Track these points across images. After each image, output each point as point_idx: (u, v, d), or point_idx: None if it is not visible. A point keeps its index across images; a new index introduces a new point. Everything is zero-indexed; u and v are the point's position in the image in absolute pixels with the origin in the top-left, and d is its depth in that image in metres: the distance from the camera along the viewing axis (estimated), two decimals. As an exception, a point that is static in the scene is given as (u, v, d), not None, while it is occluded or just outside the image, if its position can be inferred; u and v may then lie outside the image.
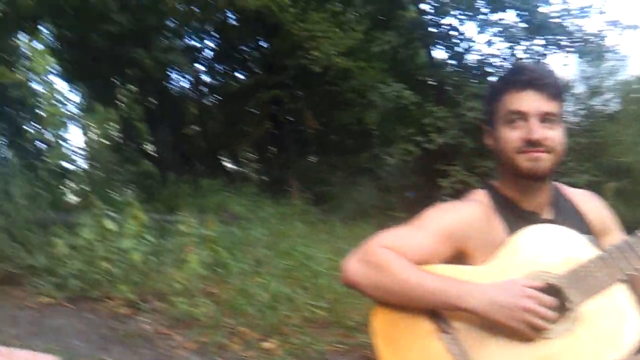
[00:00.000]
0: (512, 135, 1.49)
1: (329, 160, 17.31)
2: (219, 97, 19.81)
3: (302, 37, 13.25)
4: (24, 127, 16.79)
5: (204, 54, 18.91)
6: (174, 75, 18.56)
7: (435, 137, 9.80)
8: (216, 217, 5.60)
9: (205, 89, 20.40)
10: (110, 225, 3.13)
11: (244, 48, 18.82)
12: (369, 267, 1.38)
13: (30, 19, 14.59)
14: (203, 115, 19.86)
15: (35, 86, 21.47)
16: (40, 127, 19.13)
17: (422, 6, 9.63)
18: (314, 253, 4.10)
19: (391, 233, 1.47)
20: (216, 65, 19.56)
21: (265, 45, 17.21)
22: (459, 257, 1.49)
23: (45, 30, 16.61)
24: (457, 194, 9.20)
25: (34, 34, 16.82)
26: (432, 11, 9.60)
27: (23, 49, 18.35)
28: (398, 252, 1.39)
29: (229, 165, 21.61)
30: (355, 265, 1.41)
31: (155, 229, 3.95)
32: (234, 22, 16.74)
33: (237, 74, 19.66)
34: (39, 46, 19.74)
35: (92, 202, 8.03)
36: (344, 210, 12.34)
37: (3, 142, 16.37)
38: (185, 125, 19.83)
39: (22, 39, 17.94)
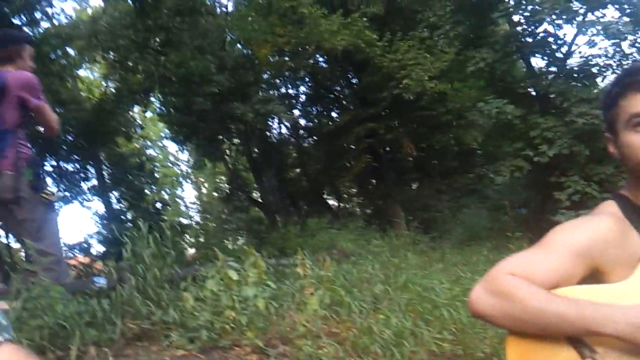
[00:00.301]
0: (638, 141, 1.39)
1: (432, 186, 17.01)
2: (317, 138, 20.29)
3: (392, 68, 13.34)
4: (145, 190, 18.27)
5: (299, 99, 19.61)
6: (273, 124, 19.37)
7: (545, 149, 9.31)
8: (328, 256, 5.65)
9: (303, 132, 21.01)
10: (233, 275, 3.25)
11: (336, 87, 19.26)
12: (495, 296, 1.32)
13: (141, 92, 16.02)
14: (303, 157, 20.40)
15: (150, 151, 23.30)
16: (157, 188, 20.68)
17: (514, 18, 9.35)
18: (431, 284, 4.00)
19: (517, 257, 1.40)
20: (311, 107, 20.14)
21: (355, 81, 17.49)
22: (594, 275, 1.39)
23: (154, 100, 18.16)
24: (577, 206, 8.65)
25: (145, 104, 18.46)
26: (525, 21, 9.29)
27: (137, 120, 20.15)
28: (526, 277, 1.32)
29: (332, 202, 21.89)
30: (481, 296, 1.35)
31: (272, 274, 4.05)
32: (324, 64, 17.22)
33: (332, 113, 20.10)
34: (150, 115, 21.58)
35: (214, 254, 8.47)
36: (455, 235, 11.98)
37: (126, 206, 17.84)
38: (287, 169, 20.45)
39: (136, 110, 19.74)
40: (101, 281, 3.78)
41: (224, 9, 17.20)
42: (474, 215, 13.08)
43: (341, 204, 21.78)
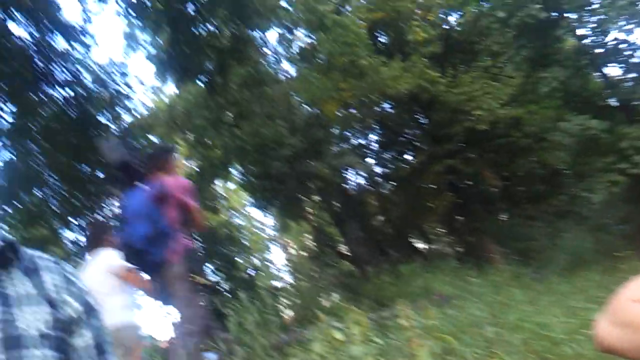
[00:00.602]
0: None
1: (522, 213, 16.32)
2: (395, 183, 20.19)
3: (459, 101, 13.25)
4: (236, 259, 18.76)
5: (371, 147, 19.73)
6: (349, 175, 19.52)
7: (639, 160, 8.74)
8: (428, 302, 5.50)
9: (380, 179, 20.99)
10: (337, 335, 3.23)
11: (406, 130, 19.25)
12: (622, 328, 1.22)
13: (221, 165, 16.77)
14: (384, 203, 20.29)
15: (236, 220, 24.02)
16: (247, 255, 21.17)
17: (579, 32, 9.05)
18: (544, 319, 3.77)
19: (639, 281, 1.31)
20: (384, 153, 20.18)
21: (425, 120, 17.43)
22: None
23: (234, 171, 18.90)
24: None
25: (226, 177, 19.26)
26: (592, 33, 8.94)
27: (221, 192, 20.98)
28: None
29: (420, 245, 21.44)
30: (607, 329, 1.26)
31: (375, 328, 3.98)
32: (390, 110, 17.34)
33: (405, 156, 20.02)
34: (232, 186, 22.39)
35: (312, 314, 8.47)
36: (557, 263, 11.29)
37: (222, 277, 18.35)
38: (370, 217, 20.37)
39: (218, 183, 20.58)
40: (212, 357, 3.86)
41: (287, 75, 17.87)
42: (574, 239, 12.32)
43: (430, 246, 21.30)
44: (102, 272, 3.83)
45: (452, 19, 15.71)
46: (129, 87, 12.00)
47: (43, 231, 13.76)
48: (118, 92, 11.79)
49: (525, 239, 14.42)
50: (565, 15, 8.59)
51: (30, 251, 0.97)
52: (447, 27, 15.52)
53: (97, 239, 4.13)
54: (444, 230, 21.44)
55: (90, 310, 0.96)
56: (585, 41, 9.36)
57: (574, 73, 8.16)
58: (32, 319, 0.88)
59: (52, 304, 0.92)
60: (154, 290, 3.93)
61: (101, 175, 12.17)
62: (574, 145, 8.79)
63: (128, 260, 3.80)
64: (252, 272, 19.39)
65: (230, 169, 18.47)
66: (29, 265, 0.95)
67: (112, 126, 13.00)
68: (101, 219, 4.48)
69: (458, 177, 15.90)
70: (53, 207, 13.47)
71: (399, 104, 16.39)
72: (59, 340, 0.89)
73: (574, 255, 10.86)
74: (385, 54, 14.84)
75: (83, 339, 0.93)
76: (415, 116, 18.02)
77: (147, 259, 3.70)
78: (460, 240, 18.84)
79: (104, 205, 14.11)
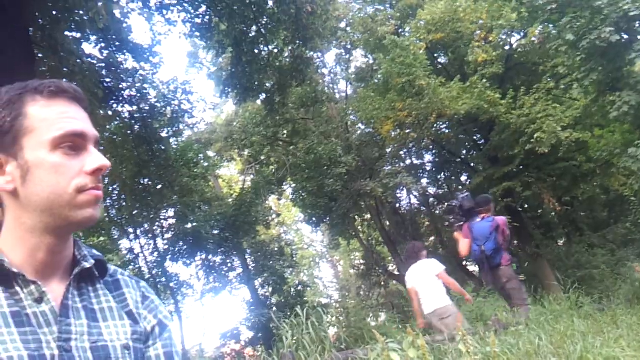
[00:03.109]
0: None
1: (583, 240, 15.73)
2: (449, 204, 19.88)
3: (520, 123, 12.97)
4: (285, 274, 18.86)
5: (425, 168, 19.54)
6: (402, 195, 19.36)
7: None
8: (484, 328, 5.36)
9: (434, 200, 20.72)
10: (395, 357, 3.20)
11: (462, 151, 18.98)
12: None
13: (275, 181, 17.02)
14: (437, 224, 20.00)
15: (287, 236, 24.19)
16: (297, 270, 21.24)
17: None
18: (611, 352, 3.61)
19: None
20: (438, 174, 19.95)
21: (482, 142, 17.14)
22: None
23: (287, 187, 19.13)
24: None
25: (280, 193, 19.51)
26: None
27: (273, 207, 21.24)
28: None
29: (473, 268, 20.95)
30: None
31: (430, 352, 3.92)
32: (447, 130, 17.15)
33: (461, 178, 19.71)
34: (284, 201, 22.63)
35: (360, 333, 8.39)
36: (621, 293, 10.76)
37: (270, 291, 18.47)
38: (422, 238, 20.10)
39: (271, 199, 20.85)
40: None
41: (343, 94, 18.03)
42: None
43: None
44: (429, 273, 6.11)
45: (514, 40, 15.47)
46: (191, 104, 12.38)
47: (102, 239, 14.33)
48: (180, 108, 12.18)
49: (584, 267, 13.86)
50: (639, 37, 8.30)
51: (113, 267, 1.03)
52: (508, 48, 15.28)
53: (414, 253, 6.44)
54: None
55: (162, 324, 1.02)
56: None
57: (646, 98, 7.87)
58: (116, 332, 0.93)
59: (132, 317, 0.98)
60: (488, 282, 6.86)
61: (159, 187, 12.59)
62: (643, 172, 8.44)
63: (480, 261, 6.43)
64: (301, 288, 19.41)
65: (284, 185, 18.69)
66: (112, 281, 1.01)
67: (173, 140, 13.46)
68: (416, 242, 7.85)
69: (516, 200, 15.49)
70: (113, 216, 14.02)
71: (456, 124, 16.20)
72: (137, 352, 0.95)
73: (639, 286, 10.33)
74: (445, 74, 14.75)
75: (155, 350, 0.99)
76: (473, 137, 17.75)
77: (491, 262, 6.16)
78: (516, 265, 18.31)
79: (160, 216, 14.58)
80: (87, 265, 0.94)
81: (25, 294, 0.86)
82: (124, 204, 13.58)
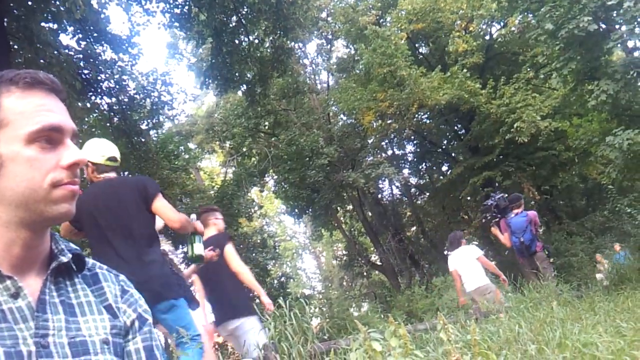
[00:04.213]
0: None
1: (562, 228, 15.96)
2: (430, 194, 20.04)
3: (500, 113, 13.09)
4: (268, 265, 18.87)
5: (407, 158, 19.63)
6: (384, 186, 19.44)
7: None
8: (465, 317, 5.42)
9: (415, 190, 20.83)
10: (377, 346, 3.21)
11: (443, 141, 19.10)
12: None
13: (257, 173, 16.95)
14: (418, 215, 20.14)
15: (270, 228, 24.10)
16: (279, 262, 21.25)
17: (630, 44, 8.78)
18: (589, 338, 3.66)
19: None
20: (420, 164, 20.04)
21: (463, 132, 17.26)
22: None
23: (269, 179, 19.08)
24: None
25: (262, 184, 19.45)
26: (642, 42, 8.69)
27: (255, 199, 21.17)
28: None
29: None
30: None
31: (411, 341, 3.94)
32: (428, 121, 17.23)
33: (442, 167, 19.84)
34: (266, 193, 22.55)
35: (343, 324, 8.44)
36: (599, 281, 10.95)
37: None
38: (404, 228, 20.24)
39: (253, 191, 20.78)
40: (249, 360, 3.89)
41: (325, 85, 17.99)
42: (616, 256, 11.94)
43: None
44: (470, 257, 7.03)
45: (494, 30, 15.57)
46: (171, 95, 12.25)
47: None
48: (160, 100, 12.05)
49: (563, 255, 14.08)
50: (616, 27, 8.38)
51: (91, 261, 1.01)
52: (488, 38, 15.37)
53: (456, 241, 7.31)
54: (479, 243, 21.13)
55: (142, 318, 1.01)
56: (635, 53, 9.08)
57: (623, 86, 7.92)
58: (94, 327, 0.92)
59: (111, 312, 0.96)
60: (526, 266, 7.41)
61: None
62: (620, 160, 8.53)
63: (520, 251, 7.25)
64: (284, 279, 19.44)
65: (266, 177, 18.63)
66: (90, 275, 0.99)
67: (153, 132, 13.31)
68: (457, 231, 8.38)
69: (496, 189, 15.65)
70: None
71: (437, 114, 16.28)
72: (117, 346, 0.94)
73: (616, 272, 10.52)
74: (425, 64, 14.79)
75: (135, 344, 0.98)
76: (453, 127, 17.87)
77: (529, 250, 7.13)
78: (497, 253, 18.53)
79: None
80: (64, 259, 0.92)
81: (0, 289, 0.84)
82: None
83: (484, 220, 9.61)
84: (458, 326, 4.64)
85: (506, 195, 7.65)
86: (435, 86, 13.22)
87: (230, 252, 4.33)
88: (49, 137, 0.86)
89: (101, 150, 3.38)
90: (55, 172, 0.85)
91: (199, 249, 3.50)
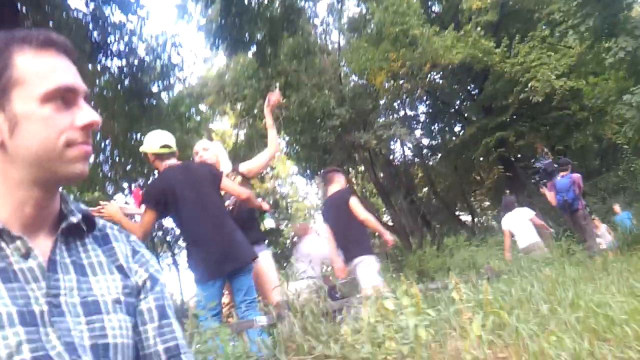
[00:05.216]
0: None
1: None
2: (442, 155, 19.93)
3: (514, 72, 12.86)
4: (281, 226, 19.07)
5: (419, 119, 19.46)
6: (396, 147, 19.35)
7: None
8: (477, 276, 5.46)
9: (427, 151, 20.72)
10: (389, 305, 3.26)
11: (456, 101, 18.87)
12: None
13: (269, 134, 16.92)
14: (430, 175, 20.09)
15: (282, 189, 24.24)
16: (292, 223, 21.41)
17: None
18: (602, 298, 3.69)
19: None
20: (432, 125, 19.88)
21: (476, 92, 17.02)
22: None
23: (280, 141, 19.03)
24: None
25: (273, 146, 19.43)
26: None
27: (267, 161, 21.21)
28: None
29: (465, 217, 21.20)
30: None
31: (423, 300, 3.99)
32: (440, 81, 16.99)
33: (455, 128, 19.67)
34: (278, 155, 22.58)
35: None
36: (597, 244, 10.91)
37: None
38: (415, 189, 20.23)
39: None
40: (262, 320, 3.97)
41: (336, 45, 17.71)
42: (617, 218, 11.88)
43: (476, 219, 21.04)
44: (523, 218, 7.87)
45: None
46: (181, 57, 12.15)
47: (97, 194, 14.31)
48: (170, 62, 11.96)
49: (577, 215, 14.02)
50: (636, -19, 8.13)
51: (102, 221, 1.02)
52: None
53: (510, 204, 8.24)
54: (490, 204, 21.13)
55: (153, 278, 1.01)
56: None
57: (645, 42, 7.72)
58: (106, 286, 0.93)
59: (122, 271, 0.97)
60: (569, 222, 8.28)
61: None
62: (637, 118, 8.37)
63: (563, 209, 8.10)
64: (296, 240, 19.67)
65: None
66: (100, 235, 1.00)
67: (164, 94, 13.26)
68: (510, 196, 9.95)
69: (509, 150, 15.53)
70: (107, 172, 13.96)
71: (450, 74, 16.04)
72: (129, 306, 0.95)
73: (629, 233, 10.49)
74: (438, 23, 14.48)
75: (147, 304, 0.99)
76: (466, 87, 17.62)
77: (572, 208, 7.91)
78: (589, 209, 18.52)
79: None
80: (74, 219, 0.93)
81: (11, 250, 0.85)
82: (117, 159, 13.50)
83: (532, 182, 10.65)
84: (470, 286, 4.68)
85: (551, 161, 8.78)
86: (449, 45, 12.98)
87: (354, 203, 5.18)
88: (64, 98, 0.86)
89: (156, 140, 3.85)
90: (69, 131, 0.86)
91: (269, 223, 4.23)
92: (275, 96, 4.36)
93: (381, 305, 3.60)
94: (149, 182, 4.41)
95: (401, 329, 3.36)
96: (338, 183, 5.48)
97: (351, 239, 5.19)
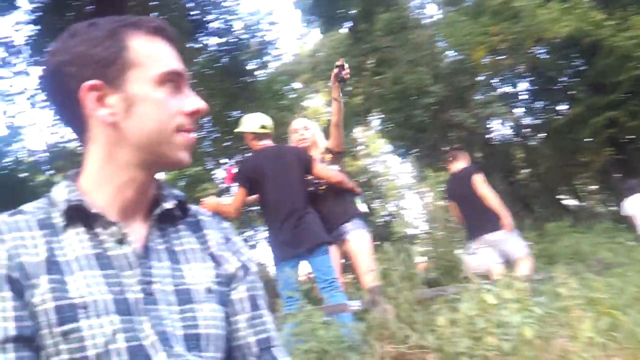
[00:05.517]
0: None
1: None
2: (545, 135, 18.90)
3: (628, 47, 11.82)
4: (372, 205, 19.02)
5: (520, 96, 18.52)
6: (494, 126, 18.60)
7: None
8: (585, 268, 5.09)
9: (528, 130, 19.74)
10: (490, 299, 3.08)
11: (561, 78, 17.71)
12: None
13: (362, 112, 16.81)
14: (531, 156, 19.15)
15: (374, 168, 24.22)
16: (384, 202, 21.33)
17: None
18: None
19: None
20: (534, 103, 18.84)
21: (584, 68, 15.85)
22: None
23: (374, 118, 18.87)
24: None
25: (366, 124, 19.31)
26: None
27: (360, 139, 21.15)
28: None
29: (569, 202, 20.06)
30: None
31: (526, 292, 3.75)
32: (545, 56, 16.00)
33: (558, 107, 18.53)
34: (371, 132, 22.47)
35: (448, 265, 8.31)
36: None
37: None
38: (515, 171, 19.39)
39: (358, 130, 20.75)
40: (356, 304, 3.93)
41: (432, 20, 17.15)
42: None
43: (581, 204, 19.85)
44: None
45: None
46: (276, 35, 12.30)
47: (197, 169, 14.95)
48: (265, 40, 12.14)
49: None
50: None
51: (194, 207, 1.00)
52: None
53: (632, 188, 7.96)
54: (597, 188, 19.83)
55: (245, 267, 0.99)
56: None
57: None
58: (199, 275, 0.91)
59: (214, 259, 0.95)
60: None
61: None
62: None
63: None
64: (388, 218, 19.51)
65: (370, 117, 18.44)
66: (194, 222, 0.98)
67: (259, 72, 13.50)
68: (632, 179, 8.99)
69: (620, 131, 14.38)
70: (205, 148, 14.53)
71: (555, 49, 15.03)
72: (221, 295, 0.93)
73: None
74: (543, -6, 13.57)
75: (239, 294, 0.96)
76: (573, 63, 16.44)
77: None
78: (618, 199, 17.29)
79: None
80: (169, 205, 0.92)
81: (106, 235, 0.85)
82: (216, 136, 14.00)
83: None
84: (577, 278, 4.36)
85: None
86: (554, 18, 12.14)
87: (479, 180, 5.45)
88: (174, 82, 0.88)
89: (255, 120, 4.13)
90: (179, 117, 0.87)
91: (361, 207, 4.31)
92: (342, 69, 4.27)
93: (480, 298, 3.42)
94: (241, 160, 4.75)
95: (502, 324, 3.18)
96: (464, 160, 5.83)
97: (477, 215, 5.37)
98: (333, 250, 4.00)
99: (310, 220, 3.87)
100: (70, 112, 0.87)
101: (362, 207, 4.42)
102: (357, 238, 4.23)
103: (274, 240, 4.01)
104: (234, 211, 4.06)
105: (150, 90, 0.85)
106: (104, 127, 0.85)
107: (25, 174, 11.10)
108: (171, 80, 0.87)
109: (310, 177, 4.08)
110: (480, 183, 5.37)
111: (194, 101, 0.89)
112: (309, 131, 4.39)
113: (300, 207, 3.88)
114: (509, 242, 5.33)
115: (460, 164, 5.77)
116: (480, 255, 5.37)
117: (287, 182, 3.89)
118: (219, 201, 4.22)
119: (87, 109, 0.85)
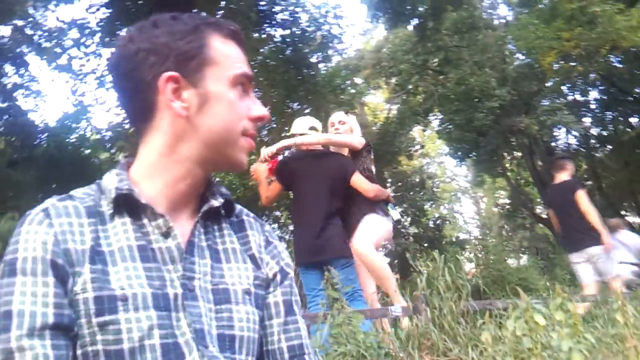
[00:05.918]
0: None
1: None
2: (613, 147, 18.07)
3: None
4: (425, 206, 18.72)
5: (589, 105, 17.76)
6: (560, 134, 17.95)
7: None
8: (644, 290, 4.84)
9: (595, 141, 18.92)
10: (540, 320, 2.97)
11: (636, 89, 16.85)
12: None
13: (422, 112, 16.56)
14: (596, 169, 18.35)
15: (429, 168, 23.85)
16: (436, 204, 20.97)
17: None
18: None
19: None
20: (604, 114, 18.03)
21: (663, 79, 15.03)
22: None
23: (433, 118, 18.56)
24: None
25: (425, 124, 19.02)
26: None
27: (417, 138, 20.86)
28: None
29: (633, 219, 19.11)
30: None
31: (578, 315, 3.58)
32: (619, 65, 15.25)
33: (630, 119, 17.66)
34: (429, 132, 22.12)
35: (511, 280, 8.08)
36: None
37: (409, 222, 18.49)
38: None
39: (415, 129, 20.46)
40: (398, 310, 3.86)
41: (502, 21, 16.66)
42: None
43: (645, 222, 18.88)
44: None
45: None
46: (341, 28, 12.23)
47: (251, 159, 15.10)
48: (330, 33, 12.11)
49: None
50: None
51: (239, 207, 1.00)
52: None
53: None
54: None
55: (283, 272, 0.98)
56: None
57: None
58: (238, 275, 0.91)
59: (254, 262, 0.95)
60: None
61: (306, 112, 12.84)
62: None
63: None
64: (440, 222, 19.17)
65: (430, 116, 18.15)
66: (237, 222, 0.98)
67: (321, 65, 13.49)
68: None
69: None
70: (263, 137, 14.69)
71: (632, 58, 14.29)
72: (258, 297, 0.92)
73: None
74: (622, 1, 12.92)
75: (275, 297, 0.96)
76: (650, 73, 15.60)
77: None
78: None
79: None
80: (216, 203, 0.91)
81: (152, 227, 0.85)
82: (274, 126, 14.12)
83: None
84: (635, 304, 4.14)
85: None
86: (634, 25, 11.51)
87: (582, 195, 5.48)
88: (243, 85, 0.89)
89: (305, 123, 4.22)
90: (245, 120, 0.88)
91: (394, 214, 4.20)
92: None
93: (530, 319, 3.30)
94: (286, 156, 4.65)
95: (550, 346, 3.06)
96: (568, 171, 5.81)
97: (575, 227, 5.49)
98: (358, 263, 3.90)
99: (332, 233, 3.81)
100: (140, 98, 0.87)
101: (394, 214, 4.30)
102: (367, 218, 4.09)
103: (296, 243, 4.02)
104: (265, 199, 4.16)
105: (225, 90, 0.86)
106: (175, 119, 0.86)
107: (89, 151, 11.57)
108: (242, 83, 0.89)
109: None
110: (583, 198, 5.50)
111: (260, 107, 0.91)
112: (344, 125, 4.30)
113: (327, 217, 3.82)
114: (605, 260, 5.45)
115: (564, 174, 5.80)
116: (581, 268, 5.54)
117: (320, 189, 3.87)
118: (263, 180, 4.22)
119: (161, 99, 0.86)
